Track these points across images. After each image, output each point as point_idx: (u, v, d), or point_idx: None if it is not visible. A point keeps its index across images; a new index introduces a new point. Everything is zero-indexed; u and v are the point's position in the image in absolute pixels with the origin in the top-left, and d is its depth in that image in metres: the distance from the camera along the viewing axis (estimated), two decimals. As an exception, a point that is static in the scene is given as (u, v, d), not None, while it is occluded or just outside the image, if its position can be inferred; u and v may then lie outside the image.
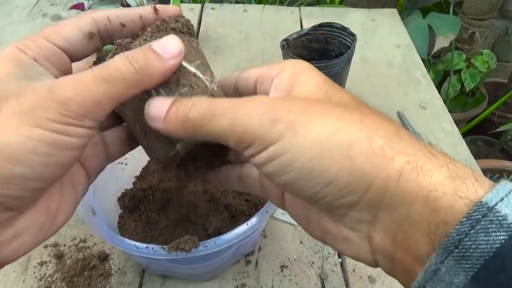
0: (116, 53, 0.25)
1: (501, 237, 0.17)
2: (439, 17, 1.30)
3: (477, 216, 0.18)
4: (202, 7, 0.96)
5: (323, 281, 0.47)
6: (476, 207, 0.18)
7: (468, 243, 0.18)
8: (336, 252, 0.49)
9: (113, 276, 0.47)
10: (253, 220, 0.37)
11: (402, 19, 0.95)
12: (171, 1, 0.32)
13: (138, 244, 0.35)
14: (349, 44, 0.62)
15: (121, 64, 0.23)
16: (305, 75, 0.25)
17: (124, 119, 0.30)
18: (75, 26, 0.25)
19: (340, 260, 0.49)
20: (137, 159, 0.49)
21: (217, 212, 0.42)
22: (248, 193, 0.46)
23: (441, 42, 1.24)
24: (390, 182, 0.20)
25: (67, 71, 0.26)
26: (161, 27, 0.27)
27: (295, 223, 0.52)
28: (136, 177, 0.51)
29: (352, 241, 0.23)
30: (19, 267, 0.47)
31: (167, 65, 0.24)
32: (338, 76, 0.62)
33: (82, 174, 0.27)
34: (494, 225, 0.18)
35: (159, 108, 0.24)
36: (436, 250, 0.19)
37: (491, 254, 0.17)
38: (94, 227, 0.37)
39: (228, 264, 0.47)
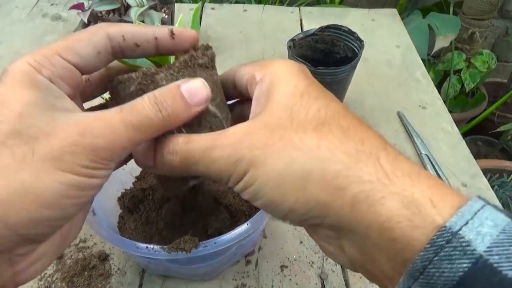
0: (142, 84, 0.25)
1: (465, 265, 0.17)
2: (439, 17, 1.30)
3: (441, 242, 0.18)
4: (202, 7, 0.96)
5: (323, 281, 0.47)
6: (439, 233, 0.18)
7: (432, 270, 0.18)
8: (336, 252, 0.50)
9: (113, 276, 0.47)
10: (253, 220, 0.37)
11: (402, 19, 0.95)
12: (190, 24, 0.32)
13: (138, 244, 0.35)
14: (355, 48, 0.62)
15: (151, 111, 0.23)
16: (280, 86, 0.25)
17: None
18: (89, 43, 0.25)
19: (340, 260, 0.49)
20: (137, 159, 0.49)
21: (217, 212, 0.42)
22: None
23: (441, 42, 1.24)
24: (344, 211, 0.21)
25: (78, 85, 0.26)
26: (189, 63, 0.27)
27: (295, 223, 0.52)
28: (136, 177, 0.51)
29: (331, 251, 0.24)
30: (19, 267, 0.47)
31: (192, 112, 0.25)
32: (342, 82, 0.62)
33: None
34: (457, 252, 0.18)
35: (147, 156, 0.26)
36: (402, 274, 0.19)
37: (454, 283, 0.17)
38: (94, 227, 0.37)
39: (228, 264, 0.47)
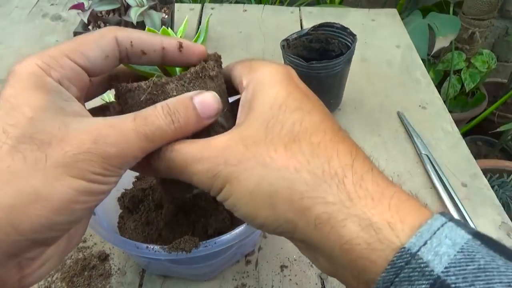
0: (152, 94, 0.26)
1: (423, 286, 0.18)
2: (439, 17, 1.30)
3: (400, 264, 0.18)
4: (202, 7, 0.96)
5: (323, 281, 0.47)
6: (399, 254, 0.19)
7: None
8: (336, 252, 0.50)
9: (113, 276, 0.47)
10: (253, 220, 0.37)
11: (402, 19, 0.95)
12: (199, 39, 0.32)
13: (138, 244, 0.35)
14: (349, 44, 0.62)
15: (164, 122, 0.24)
16: (261, 97, 0.25)
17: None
18: (97, 46, 0.25)
19: (340, 260, 0.49)
20: (137, 159, 0.49)
21: (217, 212, 0.42)
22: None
23: (441, 42, 1.24)
24: (310, 229, 0.22)
25: (85, 88, 0.26)
26: (200, 74, 0.27)
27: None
28: (136, 177, 0.51)
29: (308, 257, 0.25)
30: (19, 267, 0.47)
31: (203, 124, 0.25)
32: (338, 76, 0.62)
33: None
34: (416, 273, 0.18)
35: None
36: None
37: None
38: (94, 227, 0.37)
39: (228, 264, 0.47)
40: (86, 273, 0.46)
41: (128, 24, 0.73)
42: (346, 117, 0.68)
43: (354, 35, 0.61)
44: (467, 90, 1.39)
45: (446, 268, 0.18)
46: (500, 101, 1.33)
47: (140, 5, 0.71)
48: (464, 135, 1.39)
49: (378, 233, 0.20)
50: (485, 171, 0.61)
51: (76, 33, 0.79)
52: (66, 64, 0.24)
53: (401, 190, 0.22)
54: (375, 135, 0.65)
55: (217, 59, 0.29)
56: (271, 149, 0.23)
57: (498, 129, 1.24)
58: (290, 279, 0.47)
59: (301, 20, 0.92)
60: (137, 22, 0.69)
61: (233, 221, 0.43)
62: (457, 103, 1.47)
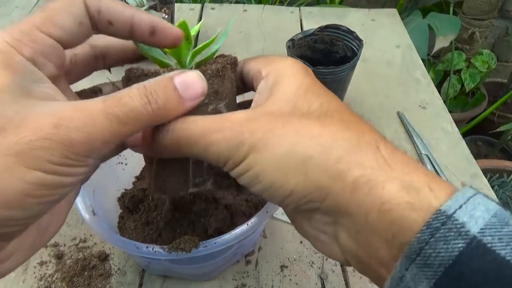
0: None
1: (459, 245, 0.18)
2: (439, 17, 1.30)
3: (436, 224, 0.19)
4: (202, 7, 0.96)
5: (323, 281, 0.47)
6: (435, 216, 0.19)
7: (429, 251, 0.18)
8: (336, 252, 0.49)
9: (113, 276, 0.47)
10: (253, 220, 0.37)
11: (402, 19, 0.95)
12: (217, 43, 0.31)
13: (138, 244, 0.35)
14: (354, 48, 0.62)
15: (139, 103, 0.21)
16: (284, 82, 0.25)
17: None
18: (69, 13, 0.22)
19: (340, 260, 0.49)
20: (137, 159, 0.49)
21: (217, 212, 0.42)
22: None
23: (441, 42, 1.24)
24: (344, 194, 0.21)
25: (62, 64, 0.24)
26: (220, 73, 0.26)
27: (295, 223, 0.52)
28: (136, 177, 0.51)
29: (323, 241, 0.24)
30: (19, 267, 0.47)
31: (186, 107, 0.23)
32: (342, 81, 0.62)
33: None
34: (452, 233, 0.18)
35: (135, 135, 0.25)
36: (399, 257, 0.19)
37: (451, 262, 0.18)
38: (94, 227, 0.37)
39: (228, 264, 0.47)
40: (86, 273, 0.46)
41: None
42: (346, 117, 0.68)
43: (360, 40, 0.61)
44: (467, 90, 1.39)
45: (481, 229, 0.18)
46: (500, 101, 1.33)
47: (140, 5, 0.71)
48: (464, 135, 1.39)
49: (419, 194, 0.20)
50: (485, 171, 0.61)
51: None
52: (39, 39, 0.21)
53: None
54: (375, 135, 0.65)
55: (235, 61, 0.29)
56: (303, 120, 0.23)
57: (498, 129, 1.24)
58: (290, 279, 0.47)
59: (301, 20, 0.92)
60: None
61: (233, 221, 0.43)
62: (457, 103, 1.47)
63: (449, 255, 0.18)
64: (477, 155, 1.37)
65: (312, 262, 0.48)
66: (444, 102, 0.74)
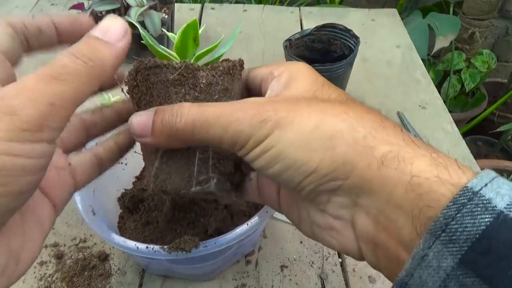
0: (182, 75, 0.25)
1: (487, 219, 0.18)
2: (439, 17, 1.30)
3: (463, 200, 0.19)
4: (202, 7, 0.96)
5: (323, 281, 0.47)
6: (461, 192, 0.19)
7: (455, 226, 0.18)
8: (336, 252, 0.49)
9: (113, 276, 0.47)
10: (253, 220, 0.37)
11: (402, 19, 0.95)
12: (225, 47, 0.32)
13: (138, 244, 0.35)
14: (352, 46, 0.62)
15: (68, 60, 0.20)
16: (299, 79, 0.26)
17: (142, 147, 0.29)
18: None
19: (340, 260, 0.49)
20: (137, 159, 0.49)
21: (217, 212, 0.42)
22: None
23: (441, 42, 1.24)
24: (371, 169, 0.21)
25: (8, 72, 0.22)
26: (231, 71, 0.27)
27: (295, 223, 0.52)
28: (136, 177, 0.51)
29: (337, 229, 0.24)
30: (19, 267, 0.47)
31: (119, 48, 0.22)
32: (340, 79, 0.62)
33: (47, 205, 0.24)
34: (479, 208, 0.18)
35: (144, 123, 0.24)
36: (423, 235, 0.19)
37: (478, 236, 0.18)
38: (94, 227, 0.37)
39: (228, 264, 0.47)
40: (86, 273, 0.46)
41: (128, 24, 0.73)
42: (346, 117, 0.68)
43: (357, 38, 0.61)
44: (467, 90, 1.39)
45: (508, 205, 0.18)
46: (500, 101, 1.33)
47: (140, 5, 0.71)
48: (464, 135, 1.39)
49: (447, 169, 0.20)
50: (485, 171, 0.61)
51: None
52: None
53: None
54: (375, 135, 0.65)
55: (241, 64, 0.29)
56: (326, 103, 0.24)
57: (498, 129, 1.24)
58: (290, 279, 0.47)
59: (301, 20, 0.92)
60: (137, 22, 0.69)
61: (233, 221, 0.43)
62: (457, 103, 1.47)
63: (476, 229, 0.18)
64: (477, 155, 1.37)
65: (312, 262, 0.48)
66: (444, 102, 0.74)
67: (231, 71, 0.27)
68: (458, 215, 0.18)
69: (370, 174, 0.21)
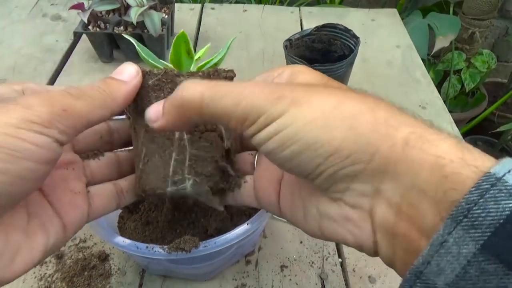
0: (161, 80, 0.27)
1: (510, 205, 0.18)
2: (439, 17, 1.30)
3: (485, 186, 0.18)
4: (202, 7, 0.96)
5: (323, 281, 0.47)
6: (485, 177, 0.19)
7: (478, 211, 0.18)
8: (336, 252, 0.49)
9: (113, 276, 0.47)
10: (253, 220, 0.37)
11: (402, 19, 0.95)
12: (216, 58, 0.34)
13: (138, 244, 0.35)
14: (352, 46, 0.62)
15: (86, 88, 0.24)
16: (303, 74, 0.26)
17: (132, 143, 0.31)
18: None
19: (340, 260, 0.49)
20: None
21: (217, 212, 0.42)
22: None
23: (441, 42, 1.24)
24: (395, 150, 0.20)
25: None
26: (212, 76, 0.28)
27: (295, 223, 0.52)
28: (136, 177, 0.51)
29: (353, 220, 0.23)
30: (19, 267, 0.47)
31: (128, 85, 0.26)
32: (340, 79, 0.62)
33: (56, 220, 0.26)
34: (503, 194, 0.18)
35: (157, 109, 0.25)
36: (444, 220, 0.19)
37: (502, 221, 0.17)
38: (94, 227, 0.37)
39: (228, 264, 0.47)
40: (86, 273, 0.46)
41: (128, 24, 0.74)
42: (346, 117, 0.68)
43: (357, 38, 0.61)
44: (467, 90, 1.39)
45: None
46: (500, 101, 1.33)
47: (140, 5, 0.71)
48: (464, 135, 1.39)
49: (471, 153, 0.20)
50: (485, 171, 0.61)
51: (76, 33, 0.79)
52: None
53: None
54: (375, 135, 0.65)
55: (231, 76, 0.30)
56: (342, 89, 0.23)
57: (498, 129, 1.24)
58: (290, 279, 0.47)
59: (301, 20, 0.92)
60: (137, 22, 0.69)
61: (233, 221, 0.43)
62: (457, 103, 1.47)
63: (499, 214, 0.18)
64: (477, 155, 1.37)
65: (312, 262, 0.48)
66: (444, 102, 0.74)
67: (211, 76, 0.27)
68: (481, 200, 0.18)
69: (395, 155, 0.20)
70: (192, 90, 0.23)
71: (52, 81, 0.75)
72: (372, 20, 0.92)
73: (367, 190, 0.22)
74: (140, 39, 0.73)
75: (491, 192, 0.18)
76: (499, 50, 1.67)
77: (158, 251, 0.35)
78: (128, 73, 0.26)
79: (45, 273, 0.47)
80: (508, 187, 0.18)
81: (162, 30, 0.73)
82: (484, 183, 0.18)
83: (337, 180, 0.22)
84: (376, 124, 0.21)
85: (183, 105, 0.23)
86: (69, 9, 0.75)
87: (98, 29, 0.75)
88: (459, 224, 0.18)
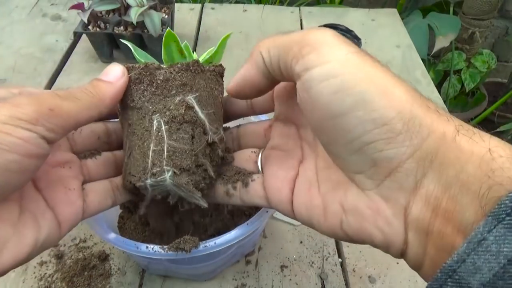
0: (141, 74, 0.28)
1: None
2: (439, 17, 1.30)
3: None
4: (202, 7, 0.96)
5: (323, 281, 0.47)
6: None
7: None
8: (336, 252, 0.49)
9: (113, 276, 0.47)
10: (253, 220, 0.37)
11: (402, 19, 0.95)
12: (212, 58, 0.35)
13: (138, 244, 0.35)
14: None
15: (74, 90, 0.25)
16: None
17: (122, 135, 0.31)
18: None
19: (340, 260, 0.49)
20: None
21: (217, 212, 0.42)
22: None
23: (441, 42, 1.24)
24: (447, 138, 0.20)
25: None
26: (191, 68, 0.29)
27: (295, 223, 0.52)
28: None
29: (384, 215, 0.22)
30: (19, 267, 0.47)
31: (116, 86, 0.27)
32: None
33: (50, 215, 0.26)
34: None
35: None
36: (485, 217, 0.18)
37: None
38: (94, 227, 0.37)
39: (228, 264, 0.47)
40: (86, 273, 0.46)
41: (128, 24, 0.74)
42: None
43: (359, 39, 0.61)
44: (467, 90, 1.39)
45: None
46: (500, 101, 1.33)
47: (140, 5, 0.71)
48: (464, 135, 1.39)
49: None
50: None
51: (76, 33, 0.79)
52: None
53: None
54: (375, 135, 0.65)
55: (219, 70, 0.31)
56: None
57: (498, 129, 1.24)
58: (290, 279, 0.47)
59: (301, 20, 0.92)
60: (137, 22, 0.69)
61: (233, 221, 0.43)
62: (457, 103, 1.47)
63: None
64: (477, 155, 1.37)
65: (312, 262, 0.48)
66: (444, 102, 0.74)
67: (190, 68, 0.28)
68: None
69: (445, 143, 0.20)
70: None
71: (52, 81, 0.75)
72: (372, 20, 0.92)
73: (408, 183, 0.21)
74: (140, 39, 0.73)
75: None
76: (499, 50, 1.67)
77: (158, 251, 0.35)
78: (114, 74, 0.27)
79: (45, 273, 0.47)
80: None
81: (162, 30, 0.73)
82: None
83: (380, 161, 0.21)
84: (428, 110, 0.21)
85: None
86: (69, 9, 0.75)
87: (98, 29, 0.75)
88: (500, 222, 0.17)
